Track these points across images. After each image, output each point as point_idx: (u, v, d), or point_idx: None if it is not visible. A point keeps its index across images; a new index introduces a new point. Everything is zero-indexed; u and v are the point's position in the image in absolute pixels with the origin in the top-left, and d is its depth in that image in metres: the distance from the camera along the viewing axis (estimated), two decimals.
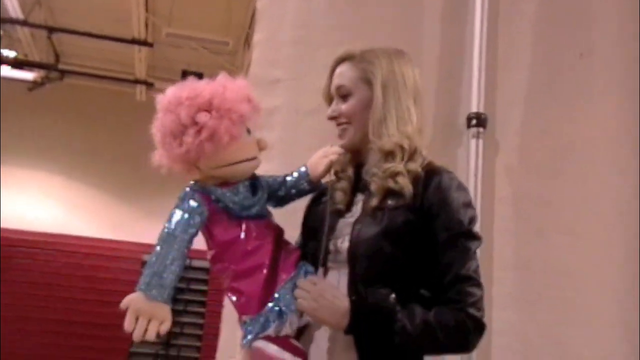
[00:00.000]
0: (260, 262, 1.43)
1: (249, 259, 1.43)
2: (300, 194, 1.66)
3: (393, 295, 1.40)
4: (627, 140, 2.29)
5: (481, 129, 2.23)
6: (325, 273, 1.52)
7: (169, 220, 1.37)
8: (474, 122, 2.24)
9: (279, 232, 1.54)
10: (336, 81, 1.61)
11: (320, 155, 1.63)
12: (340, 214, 1.56)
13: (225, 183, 1.47)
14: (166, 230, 1.36)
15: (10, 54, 7.28)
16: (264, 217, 1.52)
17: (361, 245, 1.46)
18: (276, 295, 1.41)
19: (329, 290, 1.42)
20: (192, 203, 1.41)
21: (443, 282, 1.42)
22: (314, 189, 1.66)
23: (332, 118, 1.61)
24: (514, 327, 2.21)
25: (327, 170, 1.61)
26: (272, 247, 1.46)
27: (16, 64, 7.39)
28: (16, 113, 7.79)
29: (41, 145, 8.08)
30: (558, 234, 2.24)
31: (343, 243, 1.50)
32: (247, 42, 6.85)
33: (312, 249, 1.55)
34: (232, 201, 1.45)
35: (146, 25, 6.95)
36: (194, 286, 7.29)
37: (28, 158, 8.06)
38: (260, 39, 2.37)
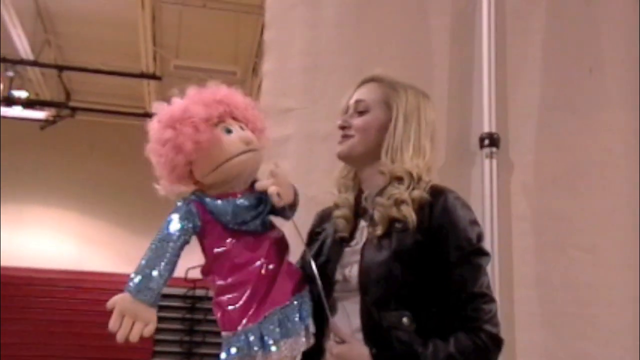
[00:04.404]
0: (246, 278, 1.39)
1: (235, 274, 1.39)
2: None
3: (405, 319, 1.41)
4: None
5: (494, 149, 2.22)
6: (333, 304, 1.50)
7: (162, 227, 1.39)
8: (486, 142, 2.23)
9: (278, 250, 1.47)
10: (357, 95, 1.64)
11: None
12: (343, 241, 1.56)
13: (224, 194, 1.44)
14: (159, 236, 1.37)
15: (21, 94, 7.36)
16: (262, 232, 1.46)
17: (372, 270, 1.46)
18: (261, 319, 1.36)
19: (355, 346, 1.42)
20: (186, 212, 1.41)
21: (457, 300, 1.43)
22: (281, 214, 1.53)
23: (341, 127, 1.61)
24: (538, 346, 2.18)
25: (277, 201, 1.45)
26: (263, 264, 1.41)
27: (28, 103, 7.47)
28: (29, 152, 7.86)
29: (55, 182, 8.13)
30: (578, 250, 2.22)
31: (351, 271, 1.49)
32: (255, 70, 6.90)
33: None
34: (224, 213, 1.42)
35: (154, 58, 7.02)
36: (210, 317, 7.25)
37: (42, 196, 8.11)
38: (269, 68, 2.39)
